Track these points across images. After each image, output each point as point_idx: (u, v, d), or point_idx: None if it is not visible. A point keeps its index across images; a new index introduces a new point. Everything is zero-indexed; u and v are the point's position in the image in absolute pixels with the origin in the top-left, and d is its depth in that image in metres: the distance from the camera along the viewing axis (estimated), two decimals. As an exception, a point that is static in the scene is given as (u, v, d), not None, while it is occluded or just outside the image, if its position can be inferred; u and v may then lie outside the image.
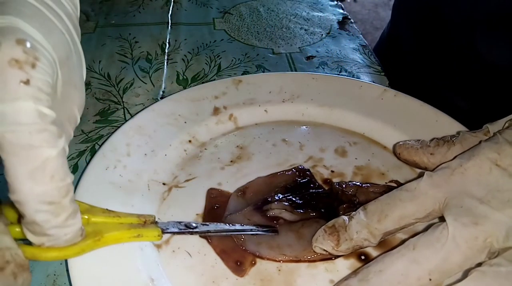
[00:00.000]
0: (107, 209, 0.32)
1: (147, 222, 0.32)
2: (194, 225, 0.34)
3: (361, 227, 0.31)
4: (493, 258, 0.26)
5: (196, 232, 0.34)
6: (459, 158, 0.31)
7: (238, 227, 0.34)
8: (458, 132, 0.35)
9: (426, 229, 0.28)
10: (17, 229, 0.26)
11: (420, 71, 0.57)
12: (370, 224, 0.31)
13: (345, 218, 0.32)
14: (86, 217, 0.30)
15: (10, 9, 0.23)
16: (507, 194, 0.28)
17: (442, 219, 0.29)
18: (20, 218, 0.25)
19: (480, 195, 0.28)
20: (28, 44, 0.22)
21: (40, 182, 0.23)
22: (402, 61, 0.59)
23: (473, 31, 0.48)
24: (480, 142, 0.32)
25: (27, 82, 0.21)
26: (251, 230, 0.34)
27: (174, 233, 0.34)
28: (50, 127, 0.22)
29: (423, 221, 0.31)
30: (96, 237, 0.29)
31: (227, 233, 0.34)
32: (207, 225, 0.34)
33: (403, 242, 0.29)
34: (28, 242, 0.26)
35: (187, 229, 0.34)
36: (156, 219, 0.33)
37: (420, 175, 0.31)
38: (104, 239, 0.30)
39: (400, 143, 0.38)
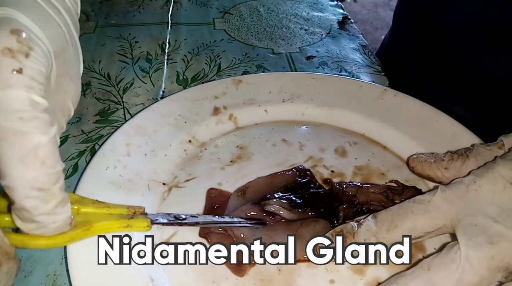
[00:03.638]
0: (96, 200, 0.32)
1: (137, 213, 0.33)
2: (183, 216, 0.34)
3: (369, 234, 0.31)
4: (510, 277, 0.26)
5: (185, 224, 0.34)
6: (473, 173, 0.30)
7: (226, 219, 0.35)
8: (472, 146, 0.35)
9: (440, 249, 0.28)
10: (7, 218, 0.26)
11: (419, 80, 0.57)
12: (379, 232, 0.30)
13: (354, 224, 0.32)
14: (76, 207, 0.31)
15: (9, 1, 0.24)
16: None
17: (452, 235, 0.29)
18: (10, 207, 0.25)
19: (494, 213, 0.28)
20: (23, 35, 0.22)
21: (30, 167, 0.23)
22: (402, 69, 0.59)
23: (473, 43, 0.48)
24: (495, 157, 0.31)
25: (19, 71, 0.22)
26: (239, 222, 0.34)
27: (163, 224, 0.34)
28: (42, 115, 0.23)
29: (432, 235, 0.31)
30: (86, 227, 0.30)
31: (215, 224, 0.34)
32: (196, 216, 0.35)
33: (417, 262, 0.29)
34: (18, 231, 0.26)
35: (176, 220, 0.34)
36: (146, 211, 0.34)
37: (435, 187, 0.31)
38: (94, 228, 0.30)
39: (414, 156, 0.38)
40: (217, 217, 0.35)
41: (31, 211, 0.24)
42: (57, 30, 0.26)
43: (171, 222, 0.34)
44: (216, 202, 0.37)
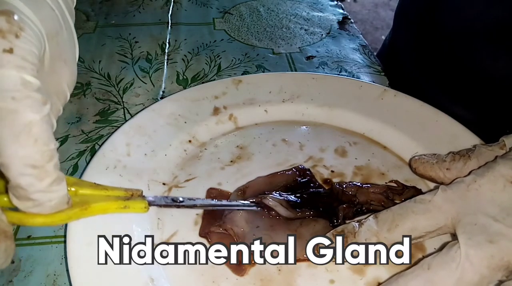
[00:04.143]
0: (95, 183, 0.32)
1: (134, 195, 0.33)
2: (181, 199, 0.34)
3: (370, 234, 0.31)
4: (511, 276, 0.26)
5: (183, 206, 0.34)
6: (474, 173, 0.31)
7: (224, 202, 0.35)
8: (474, 146, 0.35)
9: (440, 249, 0.28)
10: (5, 198, 0.27)
11: (419, 80, 0.57)
12: (380, 232, 0.31)
13: (355, 224, 0.32)
14: (73, 189, 0.31)
15: None
16: None
17: (453, 235, 0.29)
18: (7, 186, 0.26)
19: (494, 212, 0.28)
20: (14, 16, 0.23)
21: (24, 145, 0.23)
22: (402, 69, 0.59)
23: (473, 43, 0.48)
24: (496, 157, 0.31)
25: (10, 51, 0.22)
26: (237, 206, 0.35)
27: (160, 205, 0.34)
28: (34, 94, 0.23)
29: (433, 235, 0.31)
30: (83, 206, 0.30)
31: (213, 207, 0.35)
32: (194, 200, 0.35)
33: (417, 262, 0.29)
34: (16, 211, 0.26)
35: (173, 202, 0.34)
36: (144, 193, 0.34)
37: (435, 187, 0.31)
38: (91, 208, 0.30)
39: (416, 157, 0.38)
40: (215, 200, 0.35)
41: (26, 188, 0.25)
42: (50, 13, 0.26)
43: (169, 204, 0.34)
44: (216, 202, 0.37)
